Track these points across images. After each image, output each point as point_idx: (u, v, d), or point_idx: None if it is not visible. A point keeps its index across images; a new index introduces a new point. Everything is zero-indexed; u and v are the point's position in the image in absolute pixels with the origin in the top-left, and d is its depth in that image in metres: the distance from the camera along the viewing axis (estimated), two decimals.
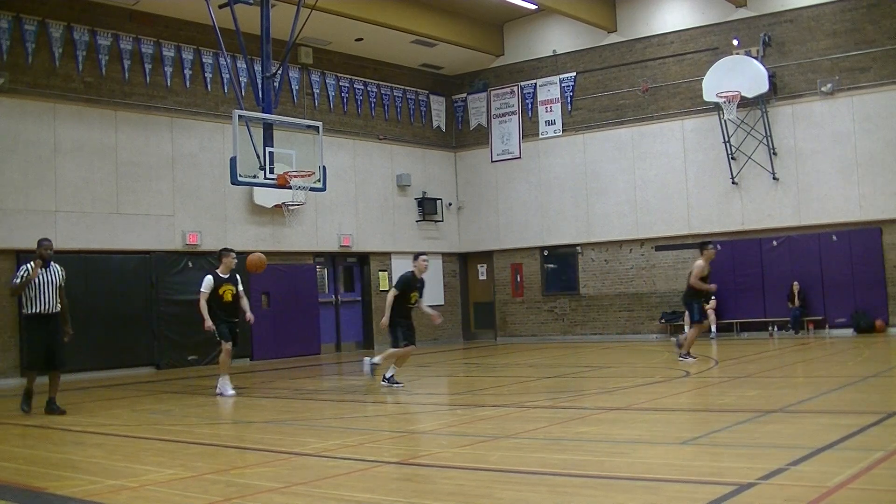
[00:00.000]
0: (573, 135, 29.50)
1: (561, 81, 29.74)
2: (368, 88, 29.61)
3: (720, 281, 25.91)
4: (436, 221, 31.07)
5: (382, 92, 30.10)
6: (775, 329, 26.14)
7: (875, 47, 24.78)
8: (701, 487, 7.01)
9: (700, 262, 18.48)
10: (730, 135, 26.30)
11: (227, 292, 15.85)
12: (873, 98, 24.75)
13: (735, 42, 26.06)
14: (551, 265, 30.51)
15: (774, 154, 25.85)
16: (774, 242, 26.08)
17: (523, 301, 30.72)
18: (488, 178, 31.16)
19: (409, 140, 30.82)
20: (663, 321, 27.58)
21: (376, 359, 16.26)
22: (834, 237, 25.26)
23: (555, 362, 21.48)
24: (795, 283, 25.44)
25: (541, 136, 30.18)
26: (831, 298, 25.35)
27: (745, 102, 25.51)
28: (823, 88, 25.19)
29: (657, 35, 28.19)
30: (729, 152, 26.36)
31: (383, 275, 29.05)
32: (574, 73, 29.53)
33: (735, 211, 26.56)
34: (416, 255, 16.13)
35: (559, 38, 29.95)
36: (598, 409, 12.18)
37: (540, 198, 30.09)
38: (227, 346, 15.78)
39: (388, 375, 16.11)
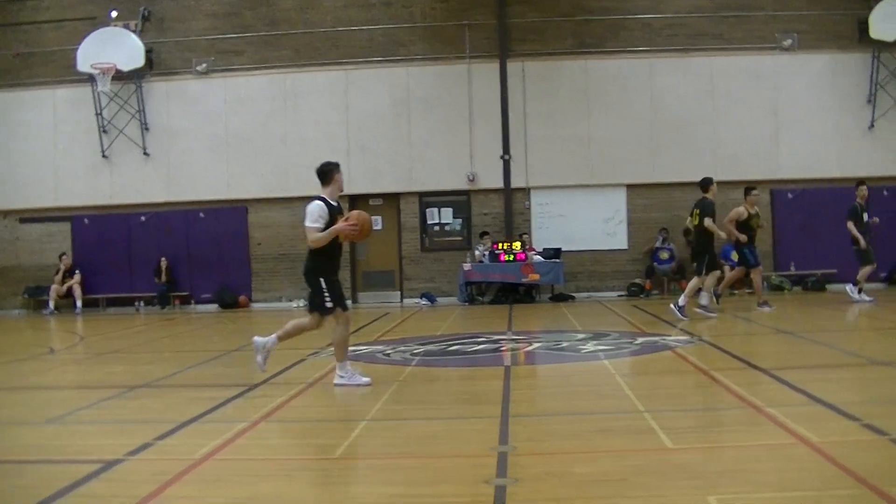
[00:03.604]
0: None
1: None
2: None
3: (85, 255, 25.53)
4: None
5: None
6: (142, 304, 26.16)
7: (250, 32, 25.68)
8: (68, 467, 6.81)
9: (740, 209, 18.54)
10: (103, 107, 25.83)
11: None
12: (245, 80, 25.70)
13: (113, 13, 25.61)
14: None
15: (147, 130, 25.83)
16: (143, 218, 26.05)
17: None
18: None
19: None
20: (27, 296, 26.47)
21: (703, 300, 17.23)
22: (202, 214, 25.79)
23: None
24: (163, 258, 25.61)
25: None
26: (198, 274, 25.91)
27: (120, 76, 25.15)
28: (198, 68, 25.62)
29: None
30: (101, 125, 25.88)
31: None
32: None
33: (104, 185, 26.11)
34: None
35: None
36: None
37: None
38: (344, 316, 10.47)
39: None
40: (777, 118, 25.03)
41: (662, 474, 6.22)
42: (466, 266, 24.07)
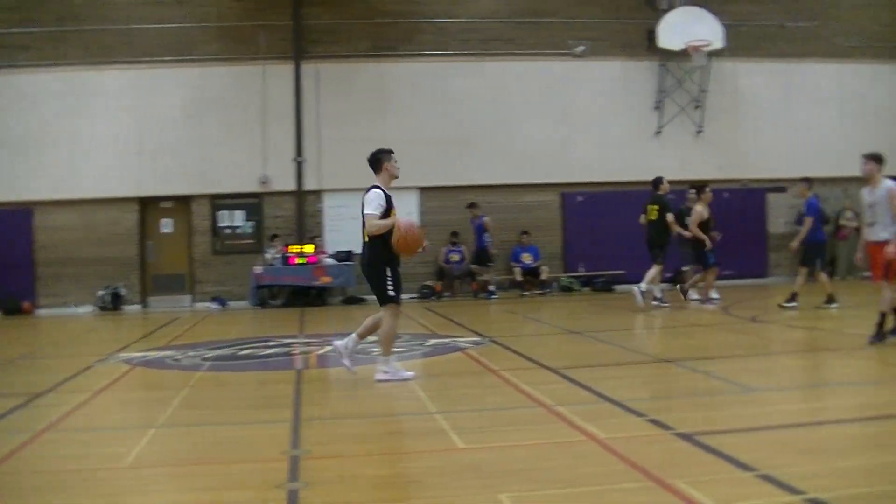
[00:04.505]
0: None
1: None
2: None
3: None
4: None
5: None
6: None
7: (37, 27, 24.64)
8: None
9: (698, 208, 18.59)
10: None
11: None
12: (32, 78, 24.50)
13: None
14: None
15: None
16: None
17: None
18: None
19: None
20: None
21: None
22: None
23: None
24: None
25: None
26: None
27: None
28: None
29: None
30: None
31: None
32: None
33: None
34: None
35: None
36: None
37: None
38: (397, 309, 10.59)
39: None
40: (568, 123, 25.78)
41: (454, 474, 6.37)
42: (258, 269, 23.84)
